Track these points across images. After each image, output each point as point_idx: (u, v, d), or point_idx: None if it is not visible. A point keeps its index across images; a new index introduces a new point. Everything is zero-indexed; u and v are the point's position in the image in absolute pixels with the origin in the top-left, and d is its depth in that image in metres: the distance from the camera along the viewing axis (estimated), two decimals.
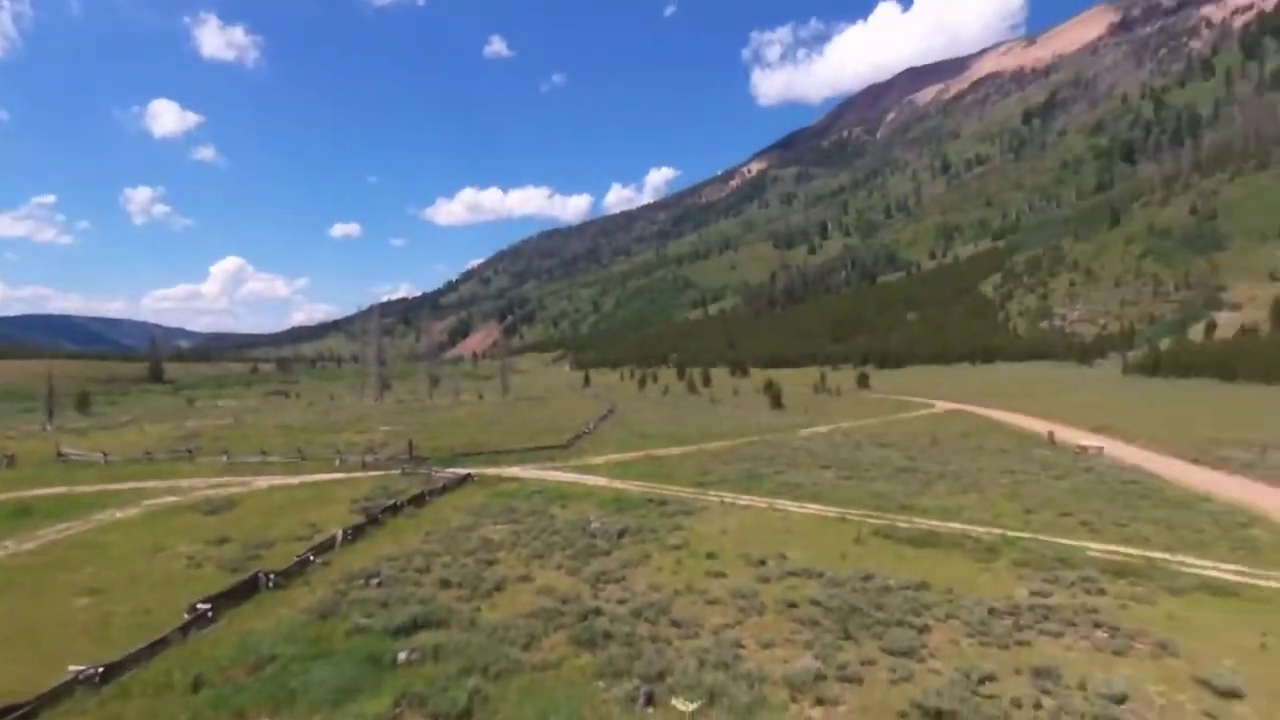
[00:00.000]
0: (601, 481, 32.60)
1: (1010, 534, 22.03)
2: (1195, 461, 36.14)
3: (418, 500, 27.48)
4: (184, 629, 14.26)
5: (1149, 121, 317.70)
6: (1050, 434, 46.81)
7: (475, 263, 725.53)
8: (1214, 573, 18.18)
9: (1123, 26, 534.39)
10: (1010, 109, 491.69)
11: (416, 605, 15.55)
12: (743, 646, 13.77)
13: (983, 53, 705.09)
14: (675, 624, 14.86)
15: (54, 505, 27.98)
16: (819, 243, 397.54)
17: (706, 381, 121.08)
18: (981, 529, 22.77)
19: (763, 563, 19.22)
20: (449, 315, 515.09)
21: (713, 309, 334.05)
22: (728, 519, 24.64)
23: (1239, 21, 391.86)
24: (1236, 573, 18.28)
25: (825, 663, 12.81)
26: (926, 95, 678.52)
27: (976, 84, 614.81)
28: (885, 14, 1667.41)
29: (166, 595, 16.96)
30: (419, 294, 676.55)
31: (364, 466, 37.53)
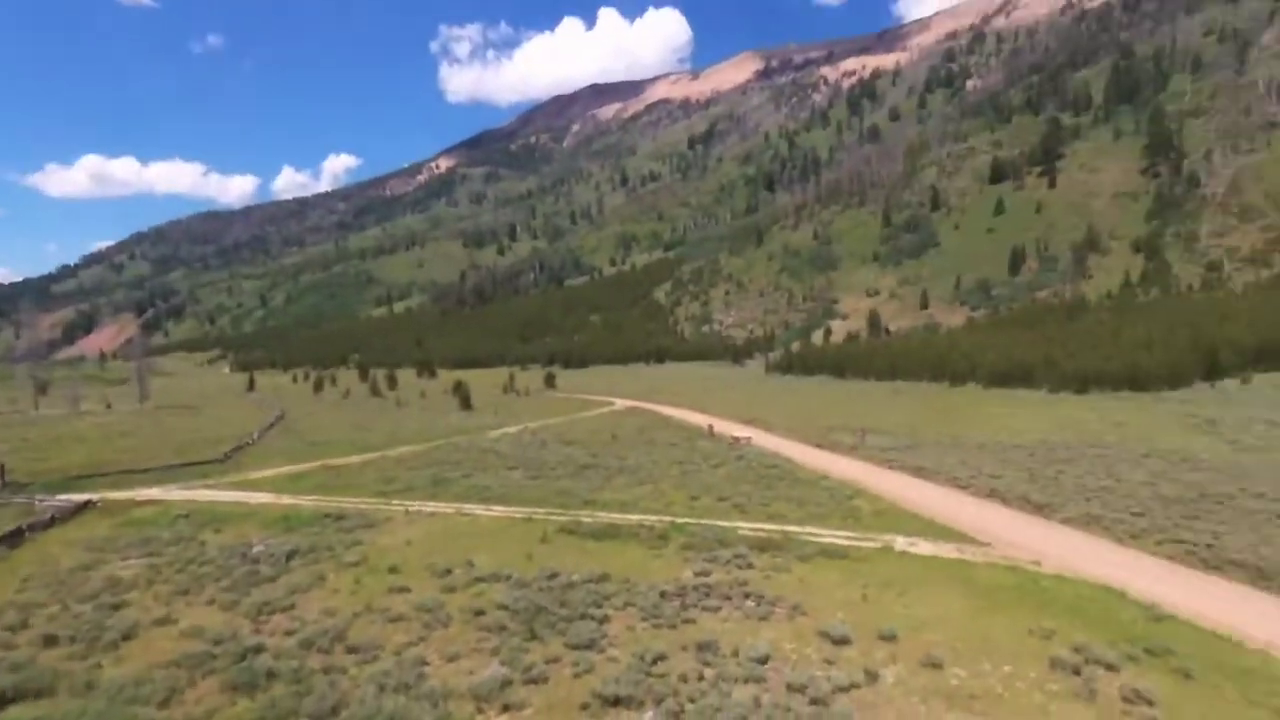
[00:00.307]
0: (266, 498, 29.22)
1: (679, 520, 24.21)
2: (818, 446, 43.27)
3: (12, 538, 22.04)
4: None
5: (784, 158, 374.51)
6: (710, 427, 52.68)
7: (103, 245, 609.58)
8: (830, 539, 21.84)
9: (765, 74, 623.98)
10: (679, 134, 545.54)
11: (4, 674, 12.37)
12: (427, 663, 13.22)
13: (655, 79, 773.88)
14: (352, 650, 13.77)
15: None
16: (508, 244, 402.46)
17: (392, 383, 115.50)
18: (654, 518, 24.70)
19: (449, 572, 18.71)
20: (64, 306, 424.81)
21: (399, 307, 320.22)
22: (413, 529, 23.61)
23: (846, 83, 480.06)
24: (846, 538, 22.17)
25: (512, 667, 12.83)
26: (608, 112, 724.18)
27: (650, 107, 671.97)
28: (570, 29, 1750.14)
29: None
30: (20, 279, 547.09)
31: None
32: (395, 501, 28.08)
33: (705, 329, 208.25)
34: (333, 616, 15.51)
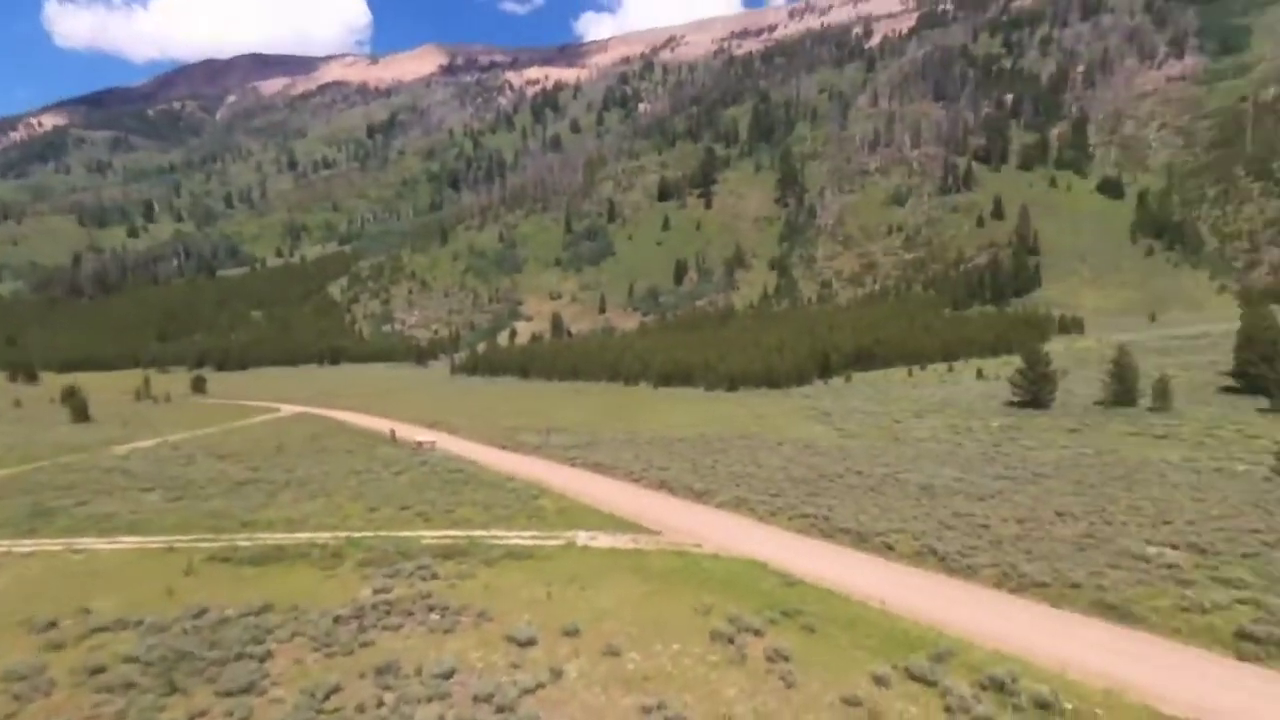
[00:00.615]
0: None
1: (355, 535, 22.54)
2: (503, 447, 43.51)
3: None
4: None
5: (470, 157, 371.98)
6: (392, 432, 50.09)
7: None
8: (516, 541, 22.02)
9: (449, 70, 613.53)
10: (356, 120, 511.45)
11: None
12: None
13: (329, 59, 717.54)
14: None
15: None
16: (144, 225, 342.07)
17: None
18: (328, 534, 22.70)
19: (54, 625, 15.17)
20: None
21: None
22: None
23: (531, 91, 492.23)
24: (531, 538, 22.53)
25: None
26: (273, 86, 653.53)
27: (324, 88, 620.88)
28: None
29: None
30: None
31: None
32: None
33: (386, 328, 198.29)
34: None
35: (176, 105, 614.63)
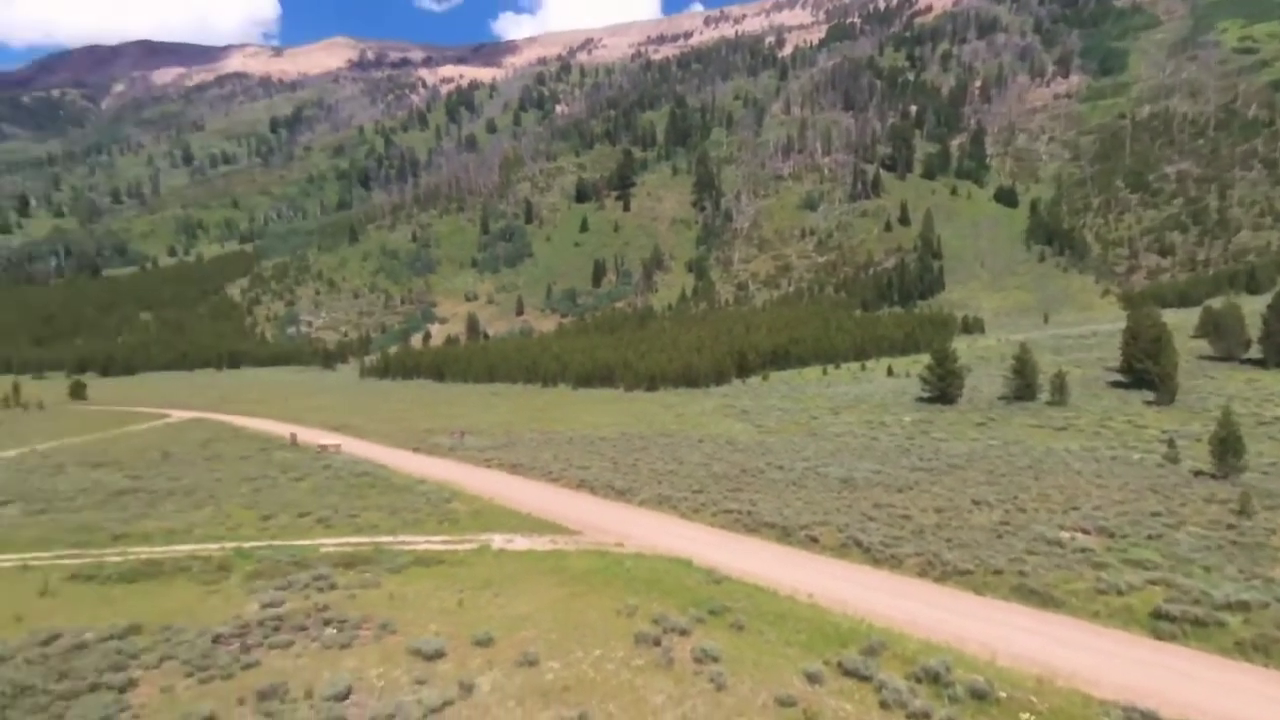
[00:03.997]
0: None
1: (246, 545, 20.61)
2: (415, 450, 41.49)
3: None
4: None
5: (381, 155, 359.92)
6: (293, 436, 47.15)
7: None
8: (425, 546, 20.56)
9: (359, 65, 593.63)
10: (259, 113, 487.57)
11: None
12: None
13: (229, 49, 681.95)
14: None
15: None
16: (18, 221, 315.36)
17: None
18: (214, 546, 20.66)
19: None
20: None
21: None
22: None
23: (445, 89, 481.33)
24: (443, 542, 21.11)
25: None
26: (165, 76, 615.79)
27: (223, 79, 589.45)
28: None
29: None
30: None
31: None
32: None
33: (291, 331, 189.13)
34: None
35: (56, 93, 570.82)
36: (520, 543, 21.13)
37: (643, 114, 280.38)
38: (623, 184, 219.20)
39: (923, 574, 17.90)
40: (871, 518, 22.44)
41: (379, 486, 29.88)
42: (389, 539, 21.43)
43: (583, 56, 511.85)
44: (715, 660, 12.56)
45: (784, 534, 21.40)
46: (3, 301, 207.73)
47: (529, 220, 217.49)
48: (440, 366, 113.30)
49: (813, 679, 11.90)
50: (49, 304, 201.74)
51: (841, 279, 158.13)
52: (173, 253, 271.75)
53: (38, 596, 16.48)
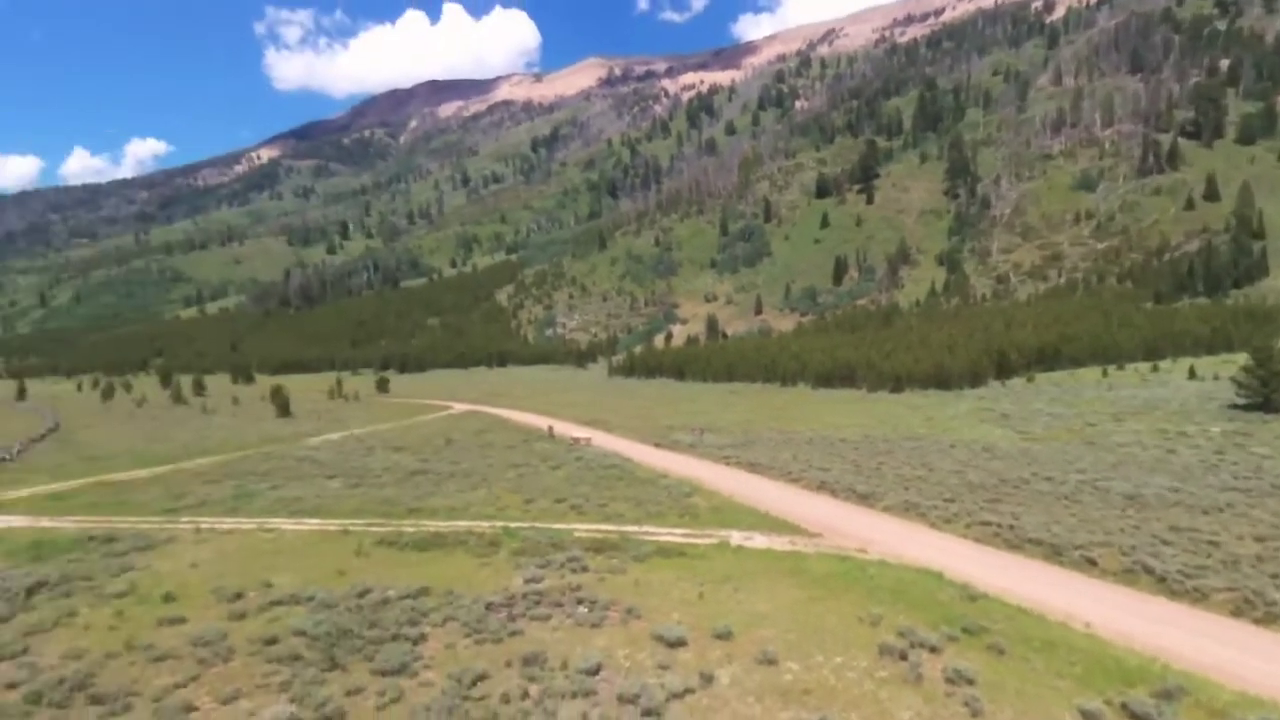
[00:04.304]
0: (19, 522, 24.62)
1: (512, 525, 22.84)
2: (657, 445, 43.22)
3: None
4: None
5: (627, 165, 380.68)
6: (550, 428, 51.45)
7: None
8: (667, 538, 21.33)
9: (608, 82, 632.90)
10: (522, 135, 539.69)
11: None
12: (195, 708, 11.06)
13: (498, 80, 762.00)
14: (96, 700, 11.29)
15: None
16: (340, 242, 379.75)
17: (200, 390, 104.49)
18: (485, 524, 23.15)
19: (240, 596, 16.24)
20: None
21: (211, 308, 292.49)
22: (202, 549, 20.57)
23: (686, 96, 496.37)
24: (683, 535, 21.75)
25: (302, 705, 10.98)
26: (448, 109, 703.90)
27: (494, 107, 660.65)
28: (413, 21, 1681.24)
29: None
30: None
31: None
32: (185, 519, 24.57)
33: (548, 332, 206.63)
34: (77, 660, 12.78)
35: (367, 133, 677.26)
36: (759, 541, 21.14)
37: (887, 101, 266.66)
38: (865, 176, 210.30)
39: (1237, 613, 15.05)
40: (1167, 542, 19.31)
41: (625, 479, 31.53)
42: (634, 528, 22.53)
43: (823, 49, 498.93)
44: (970, 683, 11.60)
45: (1053, 553, 19.17)
46: (328, 311, 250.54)
47: (768, 219, 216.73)
48: (681, 366, 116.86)
49: (1089, 717, 10.54)
50: (361, 312, 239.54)
51: (1126, 267, 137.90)
52: (453, 264, 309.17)
53: (354, 556, 19.63)
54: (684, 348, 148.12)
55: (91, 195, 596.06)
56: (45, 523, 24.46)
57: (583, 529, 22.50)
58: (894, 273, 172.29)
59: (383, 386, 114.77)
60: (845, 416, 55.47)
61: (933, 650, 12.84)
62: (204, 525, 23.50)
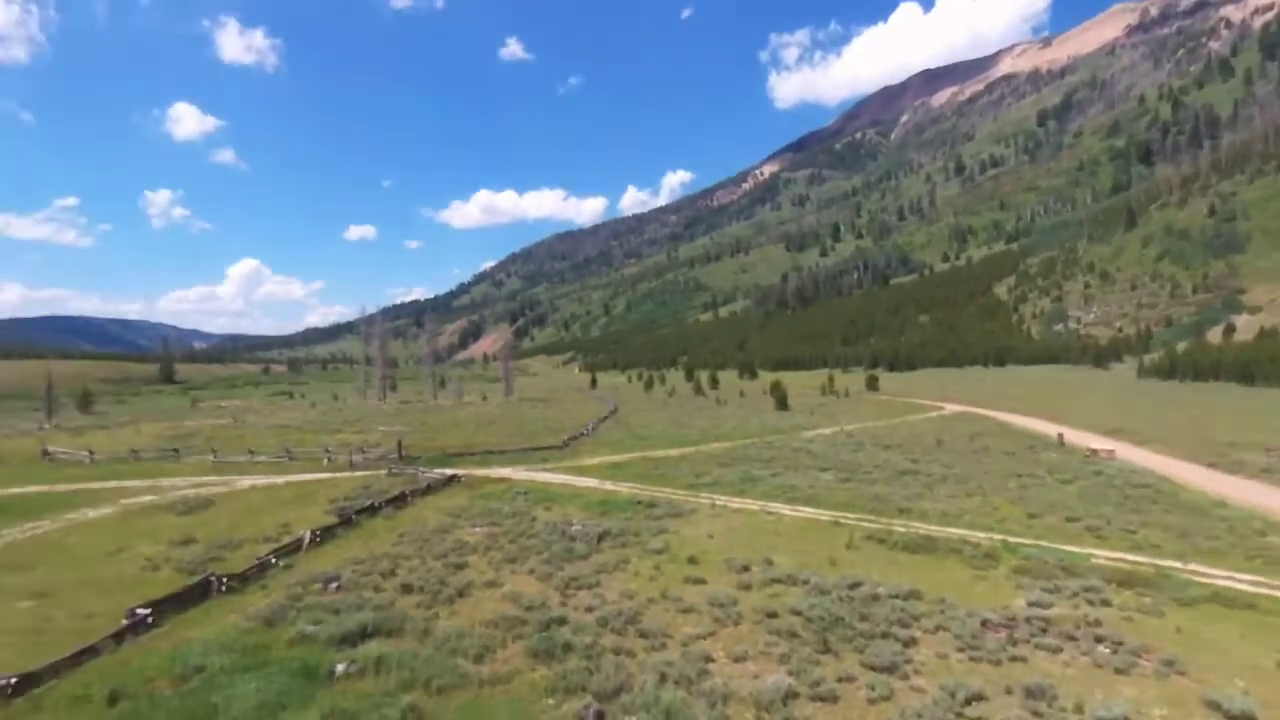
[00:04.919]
0: (591, 483, 31.64)
1: (1012, 539, 20.90)
2: (1211, 466, 34.70)
3: (398, 501, 26.62)
4: (117, 636, 13.42)
5: (1166, 122, 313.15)
6: (1060, 436, 45.42)
7: (488, 265, 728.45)
8: (1228, 583, 16.98)
9: (1140, 28, 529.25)
10: (1025, 111, 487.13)
11: (370, 612, 14.65)
12: (712, 660, 12.76)
13: (998, 55, 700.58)
14: (643, 634, 13.87)
15: (28, 504, 27.33)
16: (831, 245, 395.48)
17: (714, 383, 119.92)
18: (982, 534, 21.63)
19: (746, 569, 18.20)
20: (461, 317, 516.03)
21: (723, 311, 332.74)
22: (716, 523, 23.61)
23: (1259, 22, 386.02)
24: (1253, 583, 17.06)
25: (799, 679, 11.78)
26: (941, 97, 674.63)
27: (992, 85, 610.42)
28: (906, 15, 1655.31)
29: (115, 599, 16.09)
30: (432, 296, 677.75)
31: (351, 466, 36.74)
32: (703, 494, 28.50)
33: (1058, 328, 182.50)
34: (630, 599, 15.88)
35: (858, 135, 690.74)
36: None
37: None
38: None
39: None
40: None
41: (1163, 502, 26.13)
42: (1175, 564, 18.53)
43: None
44: None
45: None
46: (820, 310, 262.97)
47: None
48: (1248, 366, 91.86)
49: None
50: (851, 311, 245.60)
51: None
52: (945, 259, 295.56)
53: (844, 548, 20.27)
54: (1254, 343, 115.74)
55: (638, 223, 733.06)
56: (609, 486, 30.97)
57: (1102, 556, 19.40)
58: None
59: (872, 384, 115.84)
60: None
61: None
62: (718, 501, 26.94)
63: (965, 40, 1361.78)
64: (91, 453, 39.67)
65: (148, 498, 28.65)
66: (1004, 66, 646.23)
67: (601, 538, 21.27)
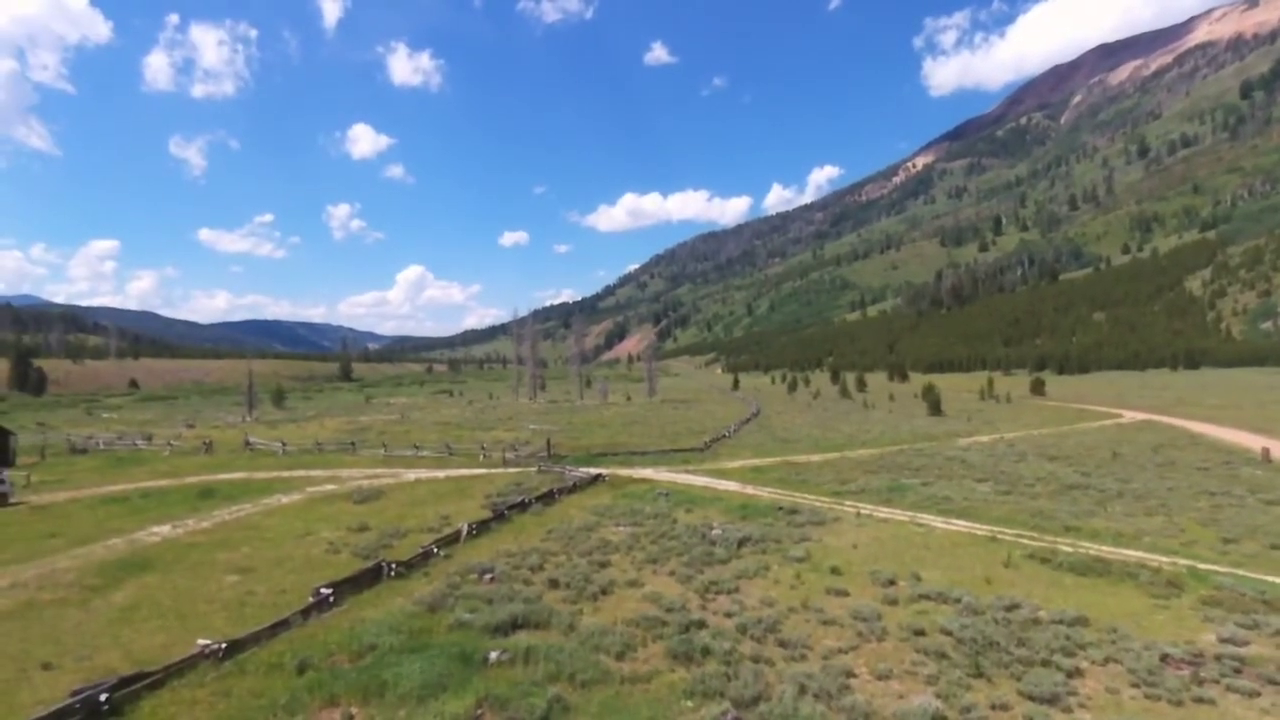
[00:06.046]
0: (732, 486, 31.61)
1: (1201, 566, 18.83)
2: None
3: (546, 498, 27.87)
4: (305, 612, 15.02)
5: None
6: (1265, 451, 40.10)
7: (632, 267, 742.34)
8: None
9: None
10: (1226, 82, 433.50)
11: (520, 604, 15.51)
12: (854, 675, 12.47)
13: (1191, 22, 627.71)
14: (782, 644, 13.78)
15: (233, 489, 31.07)
16: (991, 239, 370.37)
17: (861, 386, 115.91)
18: (1164, 558, 19.63)
19: (892, 582, 17.58)
20: (606, 319, 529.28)
21: (872, 311, 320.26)
22: (861, 532, 22.92)
23: None
24: None
25: (947, 703, 11.28)
26: (1121, 73, 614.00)
27: (1182, 57, 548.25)
28: None
29: (303, 578, 18.07)
30: (579, 298, 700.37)
31: (504, 463, 38.83)
32: (848, 503, 27.74)
33: (1265, 325, 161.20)
34: (770, 607, 15.80)
35: (1023, 120, 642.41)
36: None
37: None
38: None
39: None
40: None
41: None
42: None
43: None
44: None
45: None
46: (979, 309, 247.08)
47: None
48: None
49: None
50: (1014, 309, 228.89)
51: None
52: (1125, 250, 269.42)
53: (1002, 566, 19.08)
54: None
55: (782, 222, 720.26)
56: (750, 490, 30.84)
57: None
58: None
59: (1037, 388, 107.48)
60: None
61: None
62: (863, 510, 26.12)
63: (1150, 9, 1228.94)
64: (284, 444, 44.45)
65: (329, 486, 31.72)
66: (1200, 34, 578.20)
67: (742, 543, 21.26)
